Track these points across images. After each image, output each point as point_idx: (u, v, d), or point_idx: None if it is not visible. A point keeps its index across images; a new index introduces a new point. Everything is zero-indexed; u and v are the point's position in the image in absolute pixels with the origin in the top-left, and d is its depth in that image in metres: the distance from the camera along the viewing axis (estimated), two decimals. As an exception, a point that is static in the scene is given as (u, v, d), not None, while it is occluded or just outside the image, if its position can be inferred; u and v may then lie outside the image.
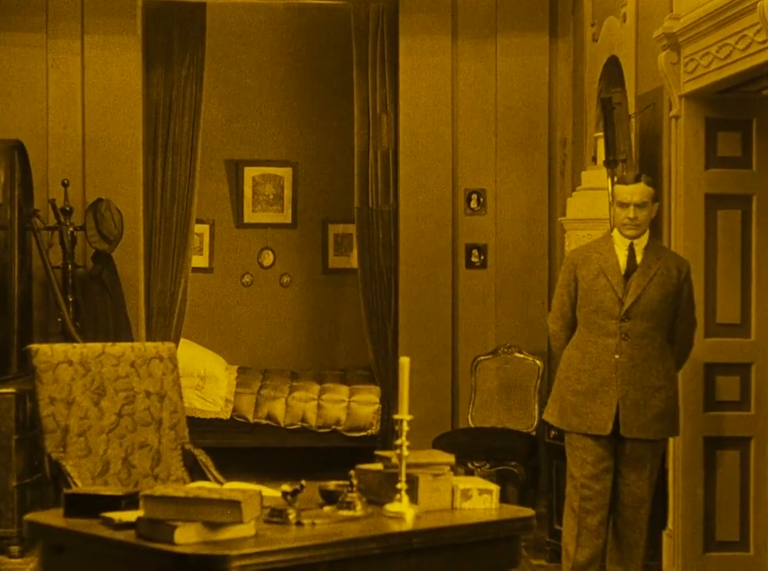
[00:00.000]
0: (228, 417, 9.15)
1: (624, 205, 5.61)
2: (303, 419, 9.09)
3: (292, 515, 3.76)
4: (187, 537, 3.48)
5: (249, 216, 10.72)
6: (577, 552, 5.66)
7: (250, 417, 9.13)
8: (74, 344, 5.40)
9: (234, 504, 3.52)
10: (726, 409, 6.23)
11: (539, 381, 8.21)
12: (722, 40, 5.60)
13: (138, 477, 5.00)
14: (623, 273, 5.61)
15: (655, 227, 6.63)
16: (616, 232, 5.69)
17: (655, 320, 5.58)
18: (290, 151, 10.68)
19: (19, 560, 6.94)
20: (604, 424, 5.58)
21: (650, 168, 6.74)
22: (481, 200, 8.82)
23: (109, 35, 8.52)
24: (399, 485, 3.91)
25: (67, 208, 8.15)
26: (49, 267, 7.96)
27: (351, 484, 3.93)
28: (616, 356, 5.56)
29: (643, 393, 5.56)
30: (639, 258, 5.63)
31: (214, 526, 3.52)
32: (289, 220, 10.75)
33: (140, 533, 3.58)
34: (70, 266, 8.13)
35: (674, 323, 5.67)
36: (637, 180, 5.60)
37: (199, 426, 8.26)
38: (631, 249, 5.63)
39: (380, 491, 4.01)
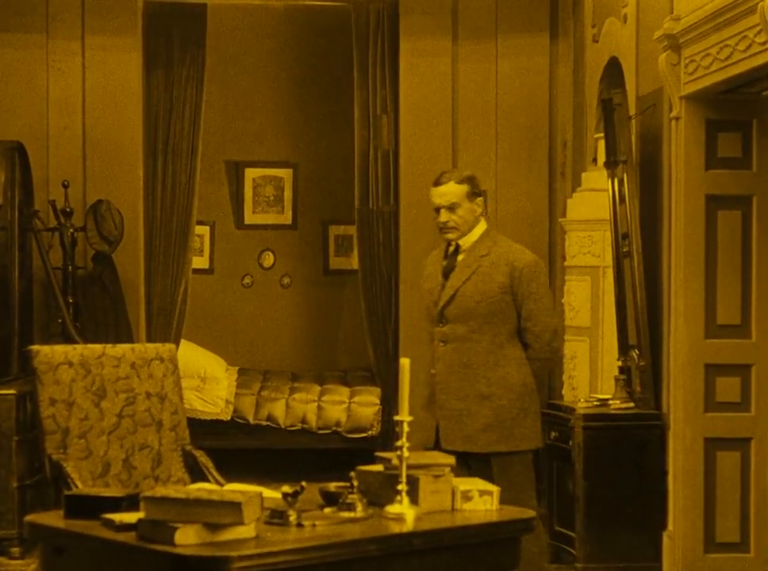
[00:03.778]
0: (229, 418, 9.15)
1: (435, 210, 5.19)
2: (303, 421, 9.09)
3: (292, 517, 3.76)
4: (188, 538, 3.48)
5: (249, 218, 10.73)
6: None
7: (250, 418, 9.13)
8: (75, 345, 5.40)
9: (234, 506, 3.51)
10: (726, 410, 6.23)
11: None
12: (722, 41, 5.60)
13: (138, 479, 5.00)
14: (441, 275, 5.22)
15: (655, 227, 6.64)
16: None
17: (477, 322, 5.10)
18: (291, 152, 10.68)
19: (20, 561, 6.93)
20: (430, 438, 5.17)
21: (650, 169, 6.75)
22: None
23: (110, 36, 8.50)
24: (399, 487, 3.91)
25: (68, 210, 8.14)
26: (49, 268, 7.96)
27: (352, 486, 3.92)
28: (435, 364, 5.18)
29: (467, 403, 5.10)
30: (460, 258, 5.21)
31: (215, 527, 3.52)
32: (289, 222, 10.75)
33: (140, 534, 3.57)
34: (70, 267, 8.13)
35: (520, 325, 5.16)
36: (447, 180, 5.17)
37: (199, 427, 8.25)
38: (455, 250, 5.23)
39: (380, 492, 4.01)
